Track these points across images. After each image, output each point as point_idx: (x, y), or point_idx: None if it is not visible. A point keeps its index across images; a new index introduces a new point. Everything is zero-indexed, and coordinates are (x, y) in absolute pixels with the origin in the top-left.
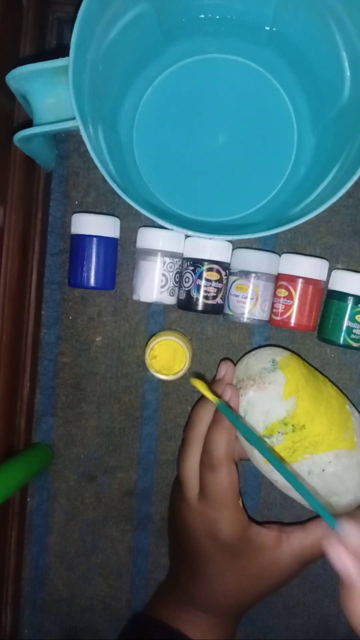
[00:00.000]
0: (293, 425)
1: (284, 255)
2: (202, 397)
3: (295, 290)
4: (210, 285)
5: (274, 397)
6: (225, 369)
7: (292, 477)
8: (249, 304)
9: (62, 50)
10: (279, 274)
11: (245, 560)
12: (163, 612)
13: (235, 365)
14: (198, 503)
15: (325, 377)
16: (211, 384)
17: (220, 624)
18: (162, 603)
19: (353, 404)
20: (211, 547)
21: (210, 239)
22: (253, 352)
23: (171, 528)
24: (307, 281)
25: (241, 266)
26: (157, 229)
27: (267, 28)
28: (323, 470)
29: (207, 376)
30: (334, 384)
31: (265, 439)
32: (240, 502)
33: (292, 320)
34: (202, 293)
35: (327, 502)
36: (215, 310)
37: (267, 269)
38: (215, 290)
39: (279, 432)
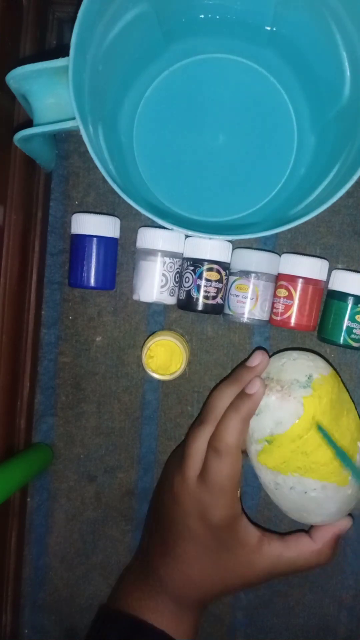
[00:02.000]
0: (297, 447)
1: (284, 255)
2: (222, 381)
3: (295, 290)
4: (210, 285)
5: (292, 414)
6: (260, 360)
7: None
8: (249, 304)
9: (62, 50)
10: (279, 274)
11: (225, 552)
12: (128, 600)
13: (270, 356)
14: (196, 484)
15: (353, 402)
16: (239, 366)
17: (185, 614)
18: (127, 590)
19: None
20: (197, 528)
21: (210, 239)
22: (295, 356)
23: (157, 501)
24: (307, 281)
25: (241, 266)
26: (157, 229)
27: (267, 28)
28: (305, 492)
29: (205, 377)
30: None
31: (265, 442)
32: (238, 492)
33: (292, 320)
34: (202, 293)
35: (297, 514)
36: (215, 310)
37: (267, 269)
38: (215, 290)
39: (280, 445)
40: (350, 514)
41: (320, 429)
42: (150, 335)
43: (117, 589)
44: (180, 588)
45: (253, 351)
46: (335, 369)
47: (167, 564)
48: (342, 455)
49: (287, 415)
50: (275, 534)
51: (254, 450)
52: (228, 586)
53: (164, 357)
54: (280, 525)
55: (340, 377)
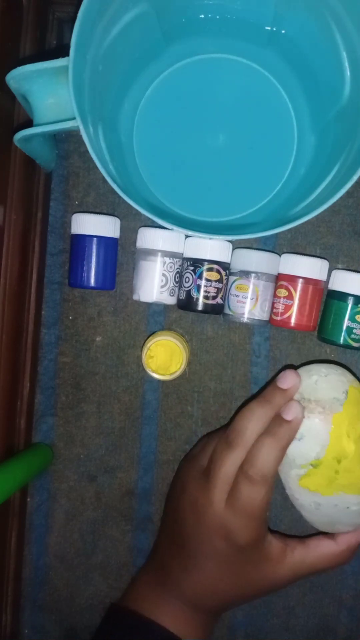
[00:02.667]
0: (344, 466)
1: (284, 255)
2: (252, 401)
3: (295, 290)
4: (210, 285)
5: (337, 434)
6: (292, 382)
7: None
8: (249, 304)
9: (62, 50)
10: (279, 274)
11: (249, 566)
12: (143, 603)
13: (299, 373)
14: (224, 508)
15: None
16: (268, 387)
17: (202, 620)
18: (142, 593)
19: None
20: (221, 547)
21: (210, 239)
22: (324, 371)
23: (176, 513)
24: (307, 281)
25: (241, 266)
26: (157, 229)
27: (268, 28)
28: (347, 507)
29: (205, 377)
30: None
31: (309, 466)
32: (267, 514)
33: (292, 320)
34: (202, 293)
35: (329, 527)
36: (215, 310)
37: (267, 269)
38: (215, 290)
39: (327, 467)
40: None
41: None
42: (150, 335)
43: (130, 591)
44: (201, 598)
45: (281, 370)
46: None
47: (189, 576)
48: None
49: (333, 436)
50: (297, 539)
51: (294, 474)
52: (250, 597)
53: (164, 357)
54: (280, 525)
55: None
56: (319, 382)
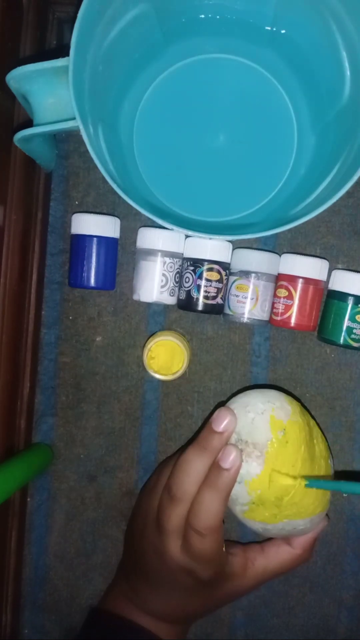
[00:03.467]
0: (286, 501)
1: (284, 255)
2: (189, 447)
3: (295, 290)
4: (210, 285)
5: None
6: (226, 423)
7: None
8: (249, 304)
9: (62, 50)
10: (279, 274)
11: (214, 589)
12: (117, 611)
13: (236, 409)
14: (181, 554)
15: (314, 419)
16: (203, 430)
17: (173, 628)
18: (116, 604)
19: (331, 452)
20: (186, 581)
21: (210, 239)
22: (261, 407)
23: (138, 549)
24: (307, 281)
25: (241, 266)
26: (157, 229)
27: (268, 28)
28: (294, 528)
29: (206, 377)
30: (318, 425)
31: (251, 504)
32: (223, 548)
33: (292, 320)
34: (202, 293)
35: (284, 539)
36: (215, 310)
37: (267, 269)
38: (216, 290)
39: (267, 502)
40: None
41: (311, 483)
42: (150, 335)
43: (105, 599)
44: (169, 615)
45: (215, 407)
46: (297, 399)
47: (156, 599)
48: (348, 487)
49: (275, 479)
50: (256, 546)
51: (239, 510)
52: (218, 607)
53: (165, 357)
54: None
55: (300, 402)
56: (256, 421)
